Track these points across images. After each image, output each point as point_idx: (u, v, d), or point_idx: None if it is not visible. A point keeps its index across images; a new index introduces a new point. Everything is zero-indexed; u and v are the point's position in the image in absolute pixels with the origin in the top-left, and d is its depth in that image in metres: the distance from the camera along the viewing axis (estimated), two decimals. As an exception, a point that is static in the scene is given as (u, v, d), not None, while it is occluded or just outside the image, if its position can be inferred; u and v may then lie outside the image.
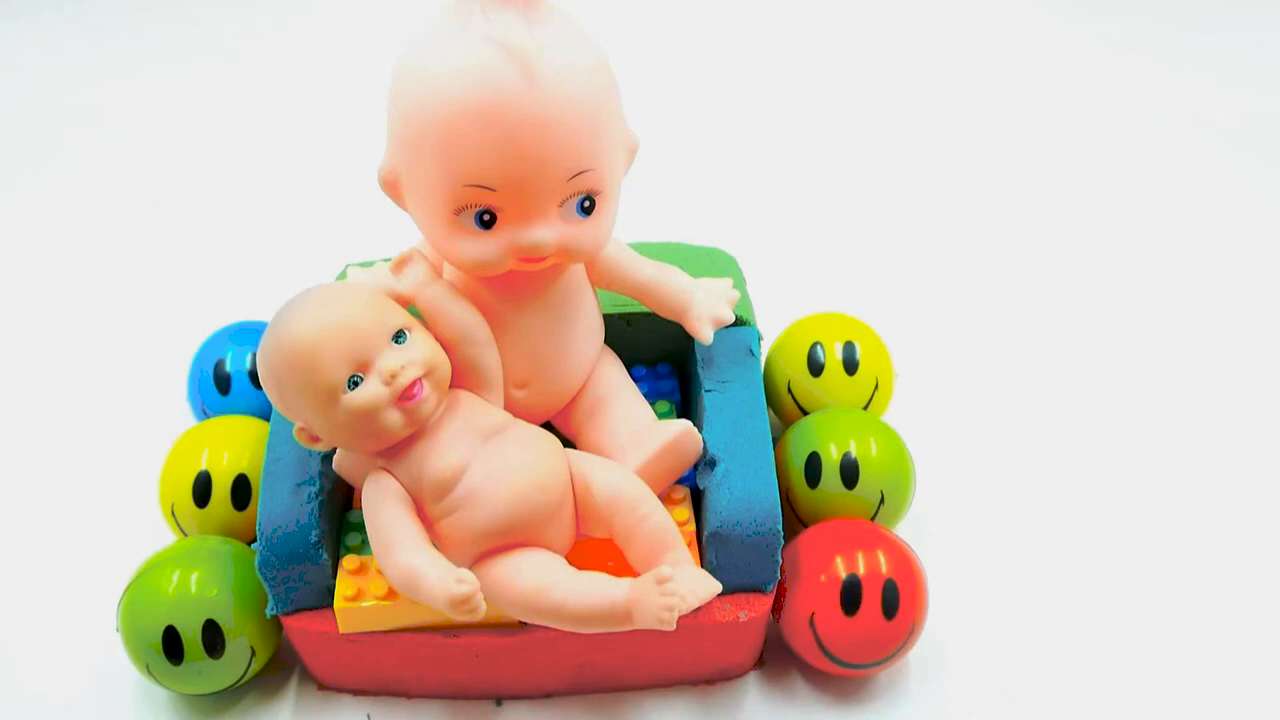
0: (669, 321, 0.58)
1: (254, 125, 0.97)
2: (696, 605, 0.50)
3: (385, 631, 0.55)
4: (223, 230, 0.87)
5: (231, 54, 1.05)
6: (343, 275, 0.62)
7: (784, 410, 0.66)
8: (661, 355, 0.64)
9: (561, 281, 0.54)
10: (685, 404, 0.63)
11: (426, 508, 0.51)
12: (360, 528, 0.56)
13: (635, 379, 0.60)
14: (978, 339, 0.77)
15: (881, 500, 0.60)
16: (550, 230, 0.49)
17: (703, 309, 0.57)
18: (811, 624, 0.56)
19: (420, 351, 0.50)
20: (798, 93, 0.99)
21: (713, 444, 0.56)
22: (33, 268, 0.84)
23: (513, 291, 0.53)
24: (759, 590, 0.55)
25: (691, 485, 0.57)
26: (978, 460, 0.69)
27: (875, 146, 0.94)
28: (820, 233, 0.85)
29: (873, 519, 0.60)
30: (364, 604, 0.54)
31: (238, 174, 0.92)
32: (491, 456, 0.51)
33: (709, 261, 0.64)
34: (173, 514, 0.61)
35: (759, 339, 0.61)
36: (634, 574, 0.51)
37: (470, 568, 0.51)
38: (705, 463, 0.56)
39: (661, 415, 0.61)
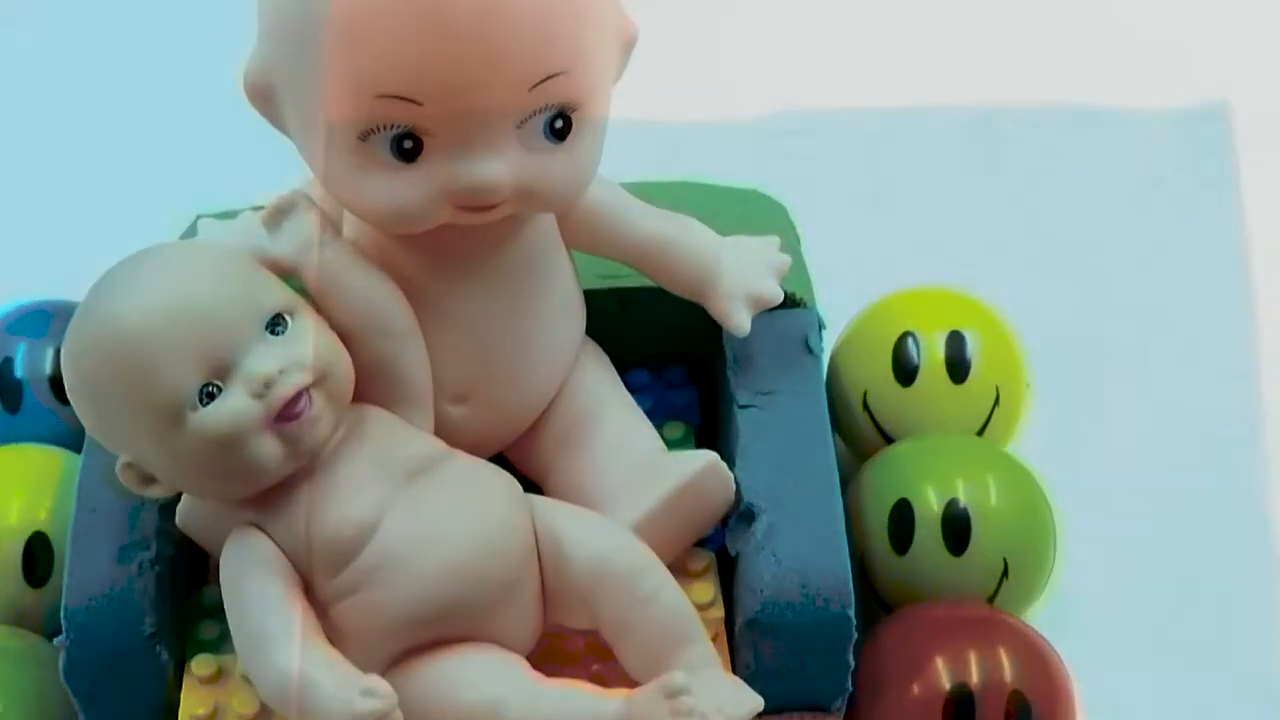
0: (684, 302, 0.59)
1: (59, 10, 0.97)
2: (725, 730, 0.51)
3: (255, 770, 0.55)
4: (9, 166, 0.87)
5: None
6: (191, 231, 0.62)
7: (858, 436, 0.67)
8: (673, 353, 0.64)
9: (520, 242, 0.54)
10: (709, 427, 0.63)
11: (318, 583, 0.52)
12: (219, 613, 0.55)
13: (633, 389, 0.60)
14: (1154, 331, 0.77)
15: (1005, 572, 0.60)
16: (503, 162, 0.49)
17: (735, 282, 0.58)
18: (900, 759, 0.57)
19: (306, 348, 0.51)
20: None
21: (750, 487, 0.56)
22: None
23: (448, 257, 0.54)
24: (820, 709, 0.56)
25: (718, 549, 0.58)
26: (1152, 514, 0.69)
27: (993, 35, 0.93)
28: (911, 166, 0.85)
29: (992, 601, 0.60)
30: (223, 728, 0.54)
31: (34, 82, 0.92)
32: (415, 507, 0.51)
33: (745, 209, 0.64)
34: (-66, 593, 0.61)
35: (821, 328, 0.62)
36: (630, 684, 0.52)
37: (382, 673, 0.51)
38: (740, 515, 0.56)
39: (672, 443, 0.61)
